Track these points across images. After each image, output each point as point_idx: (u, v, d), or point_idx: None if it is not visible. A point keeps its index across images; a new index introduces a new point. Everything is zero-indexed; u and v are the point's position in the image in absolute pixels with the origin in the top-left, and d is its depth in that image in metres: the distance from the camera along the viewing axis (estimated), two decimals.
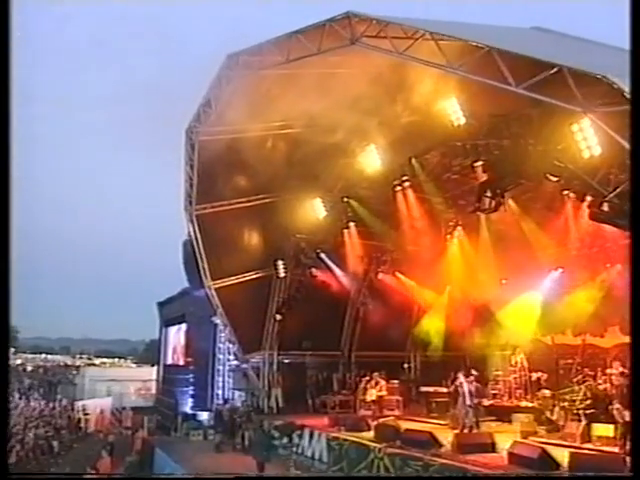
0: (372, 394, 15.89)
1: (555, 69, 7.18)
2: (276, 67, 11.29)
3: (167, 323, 34.25)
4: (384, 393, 16.04)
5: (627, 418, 9.20)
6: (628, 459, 8.48)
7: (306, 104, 12.07)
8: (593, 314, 17.65)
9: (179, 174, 16.93)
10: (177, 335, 31.82)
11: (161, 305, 35.71)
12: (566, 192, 13.15)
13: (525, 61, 7.73)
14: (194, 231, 17.54)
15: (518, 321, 18.99)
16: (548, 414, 13.42)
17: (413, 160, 12.88)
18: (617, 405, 9.69)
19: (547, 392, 14.71)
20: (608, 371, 14.24)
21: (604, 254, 15.88)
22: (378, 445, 11.66)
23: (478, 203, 10.64)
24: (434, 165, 13.24)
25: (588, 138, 9.06)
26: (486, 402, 15.32)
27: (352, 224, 16.84)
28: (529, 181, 10.49)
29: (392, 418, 14.73)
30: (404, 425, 13.08)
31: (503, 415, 14.74)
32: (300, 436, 15.05)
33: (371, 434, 13.13)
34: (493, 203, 10.31)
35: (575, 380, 14.92)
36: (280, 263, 19.04)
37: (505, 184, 10.17)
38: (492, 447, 10.65)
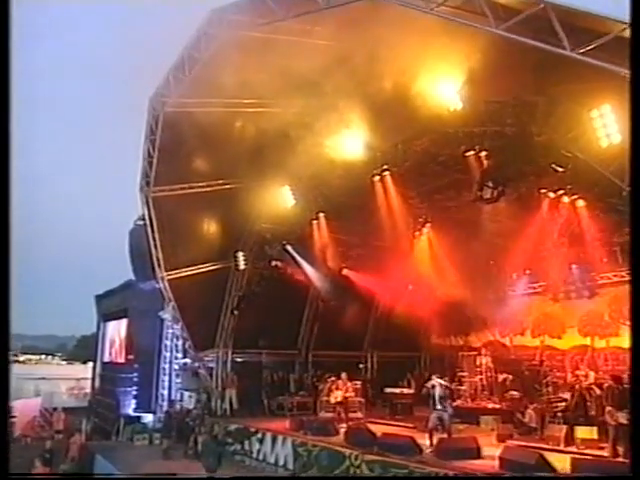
0: (337, 396, 15.02)
1: (621, 30, 6.51)
2: (267, 27, 9.97)
3: (106, 318, 31.94)
4: (352, 394, 15.24)
5: (621, 420, 8.90)
6: (624, 460, 8.20)
7: (285, 77, 10.85)
8: (553, 315, 17.84)
9: (128, 152, 15.41)
10: (117, 330, 29.70)
11: (99, 298, 33.29)
12: (544, 190, 12.91)
13: (582, 22, 7.02)
14: (149, 215, 15.96)
15: (482, 321, 18.94)
16: (519, 416, 13.12)
17: (399, 146, 12.07)
18: (609, 408, 9.35)
19: (516, 393, 14.48)
20: (577, 372, 14.27)
21: (570, 255, 15.89)
22: (354, 451, 10.76)
23: (479, 192, 10.06)
24: (419, 154, 12.42)
25: (608, 125, 8.66)
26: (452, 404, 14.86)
27: (322, 215, 15.93)
28: (533, 171, 9.97)
29: (362, 422, 13.97)
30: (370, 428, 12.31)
31: (469, 417, 14.30)
32: (261, 441, 13.98)
33: (341, 438, 12.30)
34: (495, 193, 9.79)
35: (545, 381, 14.87)
36: (240, 255, 17.84)
37: (508, 173, 9.65)
38: (477, 452, 10.02)
